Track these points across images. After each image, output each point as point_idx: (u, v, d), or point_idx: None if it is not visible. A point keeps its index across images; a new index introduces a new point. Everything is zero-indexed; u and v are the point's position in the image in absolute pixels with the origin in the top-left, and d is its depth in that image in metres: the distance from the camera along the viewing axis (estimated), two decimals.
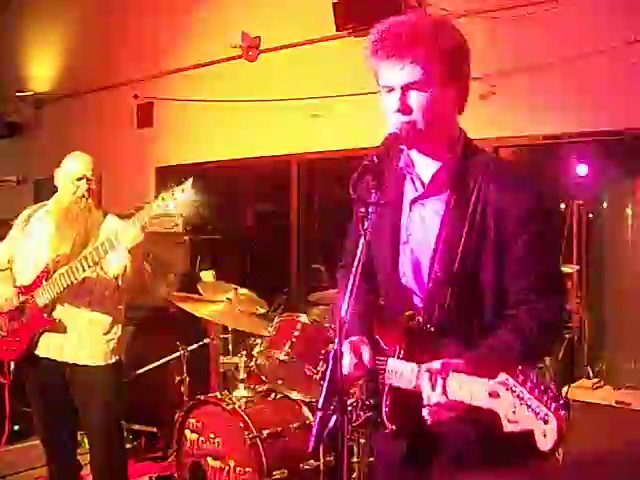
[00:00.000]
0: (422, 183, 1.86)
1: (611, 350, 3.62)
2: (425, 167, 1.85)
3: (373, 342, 1.91)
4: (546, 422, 1.35)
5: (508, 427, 1.42)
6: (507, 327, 1.73)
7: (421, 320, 1.81)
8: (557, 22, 3.94)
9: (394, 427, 1.80)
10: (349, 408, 1.92)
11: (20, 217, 3.51)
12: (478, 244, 1.75)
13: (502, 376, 1.45)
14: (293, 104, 5.00)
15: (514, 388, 1.42)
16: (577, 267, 3.89)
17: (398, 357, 1.81)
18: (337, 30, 4.65)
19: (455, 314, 1.78)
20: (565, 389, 3.39)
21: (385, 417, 1.82)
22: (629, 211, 3.63)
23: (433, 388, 1.59)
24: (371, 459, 3.37)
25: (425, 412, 1.63)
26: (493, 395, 1.46)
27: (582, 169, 4.07)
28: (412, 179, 1.88)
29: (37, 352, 3.26)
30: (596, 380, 3.51)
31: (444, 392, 1.58)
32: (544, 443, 1.35)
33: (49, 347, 3.26)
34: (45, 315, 3.21)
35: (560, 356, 3.70)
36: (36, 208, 3.49)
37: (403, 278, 1.89)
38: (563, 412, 1.35)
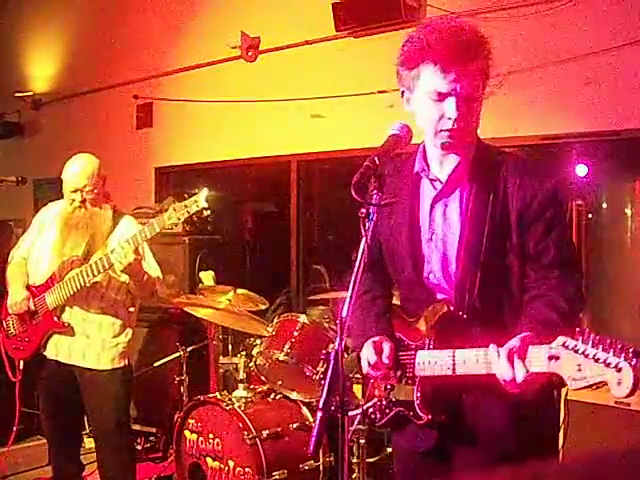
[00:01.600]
0: (440, 182, 1.91)
1: None
2: (441, 166, 1.92)
3: (395, 341, 1.94)
4: (619, 370, 1.42)
5: (574, 385, 1.50)
6: (542, 304, 1.79)
7: (452, 308, 1.86)
8: (557, 22, 3.93)
9: (430, 417, 1.83)
10: (370, 410, 1.96)
11: (37, 216, 3.51)
12: (501, 230, 1.82)
13: (560, 339, 1.53)
14: (293, 104, 4.99)
15: (576, 347, 1.49)
16: None
17: (429, 348, 1.85)
18: (336, 30, 4.65)
19: (484, 299, 1.84)
20: (564, 390, 3.39)
21: (418, 408, 1.84)
22: (629, 211, 3.63)
23: (513, 365, 1.62)
24: (371, 460, 3.38)
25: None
26: (553, 358, 1.53)
27: (582, 169, 4.06)
28: (430, 180, 1.93)
29: (45, 353, 3.27)
30: None
31: (525, 366, 1.61)
32: (619, 390, 1.42)
33: (57, 349, 3.26)
34: (55, 318, 3.21)
35: None
36: (51, 207, 3.47)
37: (431, 275, 1.93)
38: (635, 360, 1.42)
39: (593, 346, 1.47)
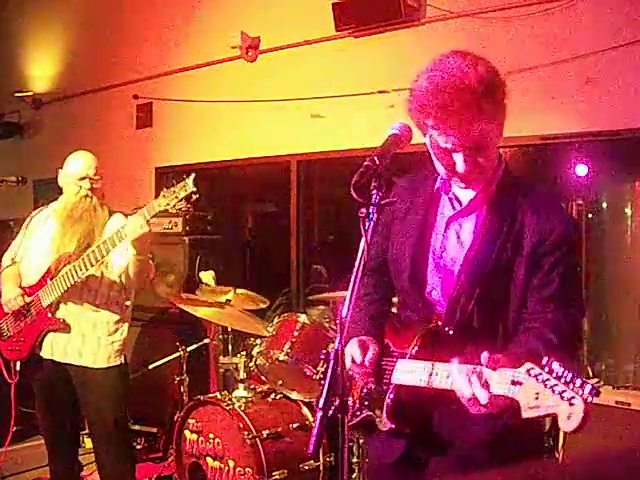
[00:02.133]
0: (460, 203, 1.91)
1: (611, 350, 3.62)
2: (462, 190, 1.91)
3: (383, 346, 1.94)
4: (572, 404, 1.42)
5: (526, 414, 1.49)
6: (531, 335, 1.78)
7: (440, 323, 1.85)
8: (557, 22, 3.94)
9: (393, 425, 1.82)
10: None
11: (29, 217, 3.51)
12: (508, 259, 1.81)
13: (527, 365, 1.52)
14: (293, 104, 4.99)
15: (539, 376, 1.49)
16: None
17: (409, 357, 1.84)
18: (336, 30, 4.65)
19: (477, 320, 1.83)
20: None
21: (385, 415, 1.83)
22: (629, 211, 3.63)
23: (476, 383, 1.60)
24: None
25: (470, 407, 1.65)
26: (516, 383, 1.53)
27: (582, 169, 4.06)
28: (449, 199, 1.93)
29: (41, 353, 3.27)
30: (596, 380, 3.51)
31: (486, 387, 1.59)
32: (567, 424, 1.42)
33: (53, 348, 3.26)
34: (49, 315, 3.21)
35: None
36: (43, 208, 3.49)
37: (434, 292, 1.92)
38: (590, 397, 1.42)
39: (555, 377, 1.47)
